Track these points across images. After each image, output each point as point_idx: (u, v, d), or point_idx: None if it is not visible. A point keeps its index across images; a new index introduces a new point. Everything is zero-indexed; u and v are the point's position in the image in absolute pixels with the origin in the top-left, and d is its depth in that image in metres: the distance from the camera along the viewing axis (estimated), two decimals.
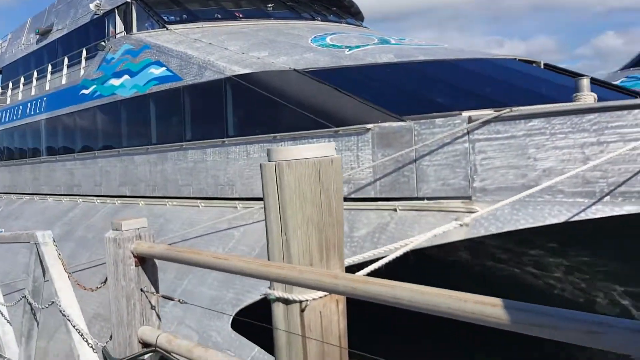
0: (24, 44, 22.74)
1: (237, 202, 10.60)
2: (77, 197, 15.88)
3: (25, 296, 5.66)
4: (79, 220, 14.32)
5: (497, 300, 1.93)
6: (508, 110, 7.02)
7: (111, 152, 14.49)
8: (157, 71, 12.91)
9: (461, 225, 6.02)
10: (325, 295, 3.11)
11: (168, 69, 12.56)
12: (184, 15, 15.03)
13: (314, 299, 3.11)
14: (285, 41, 12.61)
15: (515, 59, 11.83)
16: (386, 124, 8.52)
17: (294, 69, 10.30)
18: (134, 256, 3.94)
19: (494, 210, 6.75)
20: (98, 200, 14.80)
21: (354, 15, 17.89)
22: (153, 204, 12.74)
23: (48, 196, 17.51)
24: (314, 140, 9.41)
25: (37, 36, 21.23)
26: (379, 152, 8.58)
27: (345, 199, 9.76)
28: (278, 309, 3.25)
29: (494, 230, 6.90)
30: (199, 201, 11.45)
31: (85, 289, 5.19)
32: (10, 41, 24.66)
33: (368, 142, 8.72)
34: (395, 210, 8.24)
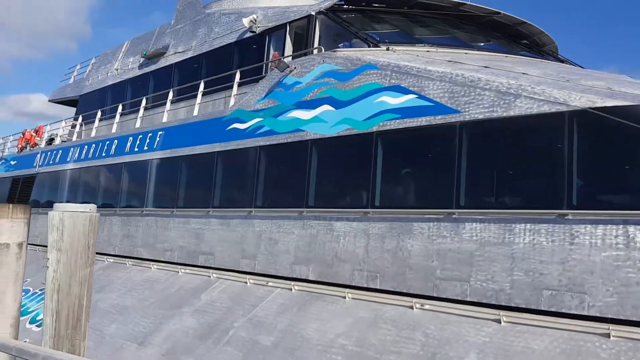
0: (117, 70, 18.85)
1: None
2: (207, 270, 11.18)
3: None
4: (229, 309, 9.53)
5: None
6: None
7: (283, 212, 9.95)
8: (395, 100, 8.64)
9: None
10: None
11: (421, 97, 8.28)
12: (386, 39, 11.00)
13: None
14: (586, 75, 8.46)
15: None
16: None
17: None
18: None
19: None
20: (251, 280, 10.09)
21: None
22: (373, 301, 8.04)
23: (151, 263, 12.80)
24: None
25: (142, 60, 17.37)
26: None
27: None
28: None
29: None
30: (500, 313, 6.79)
31: None
32: (95, 67, 20.82)
33: None
34: None
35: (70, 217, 6.19)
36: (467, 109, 7.70)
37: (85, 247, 6.37)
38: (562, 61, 12.17)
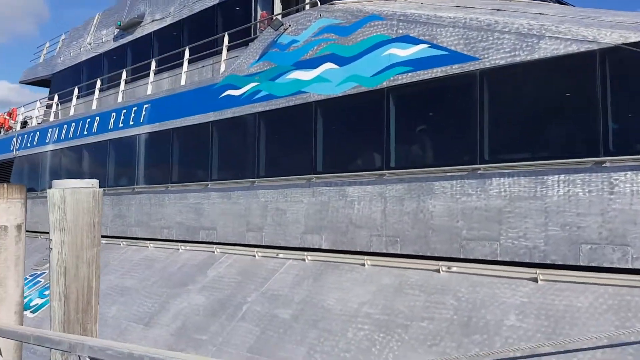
0: (90, 44, 17.87)
1: None
2: (210, 245, 10.68)
3: None
4: (239, 284, 9.08)
5: None
6: None
7: (289, 181, 9.46)
8: (405, 52, 8.12)
9: None
10: None
11: (434, 46, 7.78)
12: None
13: None
14: (605, 12, 8.03)
15: None
16: None
17: None
18: None
19: None
20: (259, 253, 9.64)
21: None
22: (395, 267, 7.67)
23: (147, 242, 12.24)
24: None
25: (116, 31, 16.43)
26: None
27: None
28: None
29: None
30: (537, 271, 6.47)
31: None
32: (66, 43, 19.74)
33: None
34: None
35: (72, 194, 5.62)
36: (486, 55, 7.23)
37: (91, 226, 5.83)
38: (565, 4, 11.74)
